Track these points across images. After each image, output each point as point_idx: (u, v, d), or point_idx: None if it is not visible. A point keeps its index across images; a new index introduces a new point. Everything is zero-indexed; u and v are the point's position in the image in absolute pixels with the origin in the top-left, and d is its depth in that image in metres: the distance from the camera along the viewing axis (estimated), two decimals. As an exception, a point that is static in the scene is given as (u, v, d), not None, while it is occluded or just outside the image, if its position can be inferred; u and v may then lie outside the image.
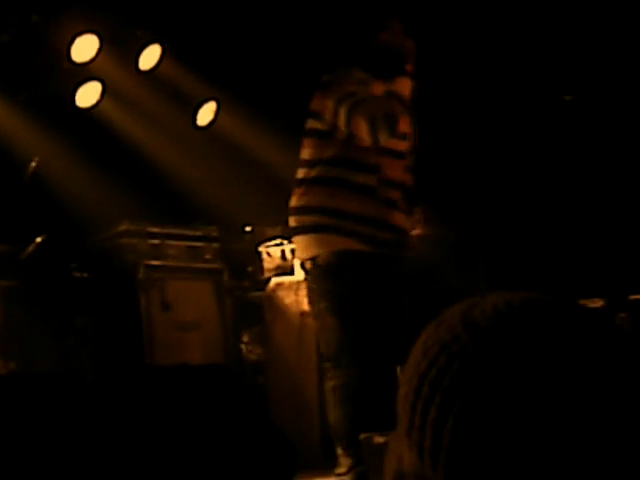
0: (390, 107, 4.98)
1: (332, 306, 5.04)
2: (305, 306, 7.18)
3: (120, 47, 7.91)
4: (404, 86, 5.09)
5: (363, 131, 4.88)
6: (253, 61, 7.98)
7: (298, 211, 5.14)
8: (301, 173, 5.15)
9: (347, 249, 5.02)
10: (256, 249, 7.96)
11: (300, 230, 5.16)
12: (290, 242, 7.17)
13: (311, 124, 5.15)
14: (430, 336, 1.24)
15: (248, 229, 8.22)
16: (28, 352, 6.84)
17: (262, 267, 7.86)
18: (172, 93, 8.36)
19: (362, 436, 4.78)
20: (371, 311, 4.98)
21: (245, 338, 7.80)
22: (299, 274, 7.11)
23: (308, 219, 5.09)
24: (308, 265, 5.10)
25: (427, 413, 1.20)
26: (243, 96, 8.31)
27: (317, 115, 5.10)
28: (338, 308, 5.02)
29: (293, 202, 5.18)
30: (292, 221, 5.20)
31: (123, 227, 7.49)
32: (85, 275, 7.35)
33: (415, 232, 5.97)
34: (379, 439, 4.67)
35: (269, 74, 7.97)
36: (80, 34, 7.64)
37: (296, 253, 5.30)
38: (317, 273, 5.09)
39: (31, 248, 6.97)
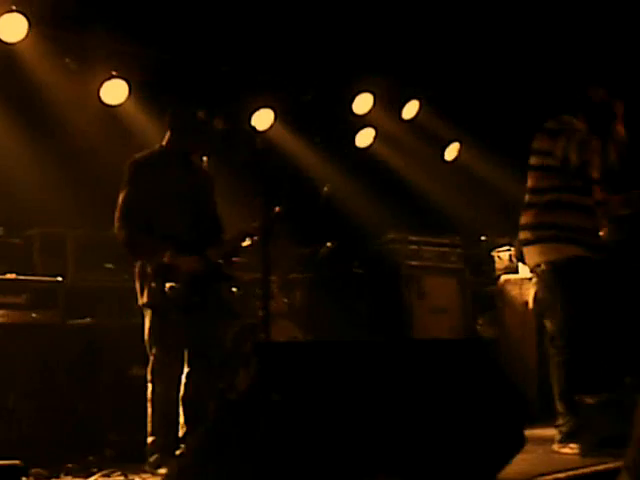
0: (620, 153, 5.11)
1: (567, 298, 5.12)
2: (527, 297, 7.26)
3: (389, 102, 8.14)
4: (621, 130, 5.20)
5: (598, 170, 4.95)
6: (490, 111, 8.03)
7: (535, 226, 5.17)
8: (532, 198, 5.20)
9: (577, 255, 5.04)
10: (489, 253, 8.01)
11: (538, 241, 5.18)
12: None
13: (537, 160, 5.20)
14: None
15: (483, 238, 8.31)
16: (322, 326, 7.13)
17: (494, 267, 7.90)
18: (426, 136, 8.51)
19: (576, 397, 4.80)
20: (596, 303, 5.17)
21: (481, 321, 7.90)
22: (523, 272, 7.18)
23: (546, 233, 5.12)
24: (544, 267, 5.20)
25: None
26: (481, 138, 8.39)
27: (547, 153, 5.12)
28: (572, 300, 5.12)
29: (529, 219, 5.20)
30: (528, 234, 5.26)
31: (390, 236, 7.89)
32: (363, 271, 7.60)
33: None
34: (588, 399, 4.72)
35: (500, 120, 8.00)
36: (359, 93, 7.92)
37: (533, 257, 5.23)
38: (555, 273, 5.17)
39: (325, 250, 7.22)
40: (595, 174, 5.12)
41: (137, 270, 4.97)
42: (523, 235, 5.35)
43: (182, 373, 4.88)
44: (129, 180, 4.99)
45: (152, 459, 4.76)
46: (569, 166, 5.05)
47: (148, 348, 4.88)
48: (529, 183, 5.32)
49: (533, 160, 5.32)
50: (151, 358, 4.86)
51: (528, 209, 5.31)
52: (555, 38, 7.39)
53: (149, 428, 4.82)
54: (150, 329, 4.87)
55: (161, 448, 4.73)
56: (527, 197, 5.33)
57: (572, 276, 5.10)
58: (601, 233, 5.44)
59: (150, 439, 4.81)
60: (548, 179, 5.21)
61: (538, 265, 5.22)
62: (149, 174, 5.01)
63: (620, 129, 5.16)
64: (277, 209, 5.00)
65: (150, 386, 4.85)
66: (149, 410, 4.84)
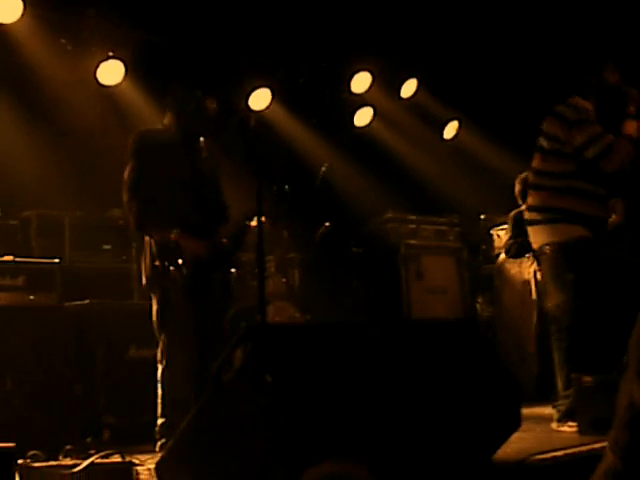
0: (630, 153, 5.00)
1: (573, 279, 5.00)
2: (527, 276, 7.22)
3: (387, 81, 8.09)
4: (632, 127, 5.06)
5: (612, 166, 4.88)
6: (488, 89, 7.97)
7: (544, 209, 5.09)
8: (541, 180, 5.11)
9: (584, 236, 4.99)
10: (488, 232, 7.98)
11: (545, 221, 5.10)
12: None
13: (548, 144, 5.09)
14: None
15: (482, 217, 8.27)
16: (319, 307, 7.12)
17: (493, 246, 7.87)
18: (424, 114, 8.48)
19: (573, 375, 4.77)
20: (600, 284, 5.03)
21: (480, 300, 7.87)
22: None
23: (554, 216, 5.04)
24: (552, 247, 5.08)
25: None
26: (479, 116, 8.35)
27: (557, 139, 5.04)
28: (577, 281, 4.99)
29: (537, 201, 5.15)
30: (536, 215, 5.20)
31: (389, 215, 7.85)
32: (360, 251, 7.58)
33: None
34: (587, 379, 4.68)
35: (500, 100, 7.95)
36: (357, 72, 7.88)
37: (540, 238, 5.16)
38: (562, 253, 5.05)
39: (322, 231, 7.20)
40: (609, 169, 5.01)
41: (145, 249, 4.83)
42: (529, 216, 5.27)
43: (193, 354, 4.71)
44: (135, 152, 4.85)
45: (162, 442, 4.61)
46: (582, 157, 4.96)
47: (157, 330, 4.75)
48: (538, 165, 5.20)
49: (544, 143, 5.17)
50: (160, 340, 4.73)
51: (537, 191, 5.21)
52: (558, 19, 7.33)
53: (159, 410, 4.70)
54: (158, 311, 4.74)
55: (171, 430, 4.42)
56: (535, 178, 5.22)
57: (579, 257, 5.00)
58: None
59: (160, 421, 4.69)
60: (560, 164, 5.08)
61: (545, 245, 5.13)
62: (154, 149, 4.87)
63: (633, 125, 5.03)
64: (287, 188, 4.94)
65: (160, 367, 4.72)
66: (159, 392, 4.71)
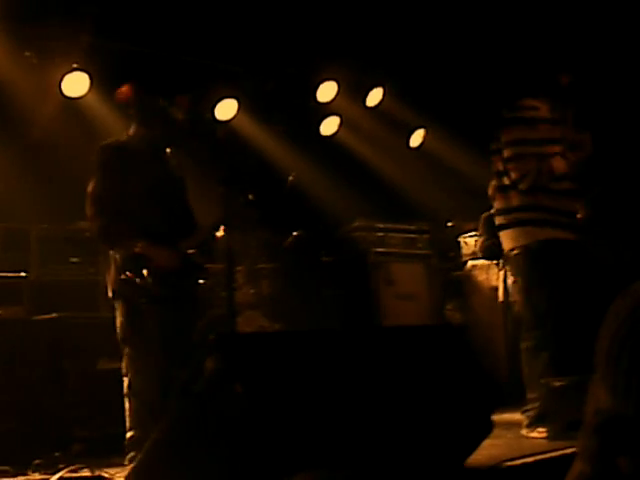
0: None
1: (539, 282, 4.99)
2: (494, 282, 7.25)
3: (353, 89, 8.09)
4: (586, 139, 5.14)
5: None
6: (453, 98, 7.99)
7: (510, 210, 5.08)
8: (504, 181, 5.08)
9: (550, 238, 4.99)
10: (456, 239, 7.99)
11: (510, 225, 5.09)
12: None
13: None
14: (619, 304, 1.28)
15: (450, 224, 8.29)
16: (290, 315, 7.08)
17: (461, 253, 7.89)
18: (391, 122, 8.49)
19: (542, 380, 4.76)
20: (570, 288, 4.98)
21: (449, 306, 7.90)
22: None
23: (520, 216, 5.02)
24: (517, 251, 5.06)
25: (619, 364, 1.26)
26: (446, 124, 8.36)
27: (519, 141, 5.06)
28: (544, 284, 4.98)
29: (502, 204, 5.13)
30: (502, 219, 5.18)
31: (357, 223, 7.80)
32: (330, 259, 7.57)
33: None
34: (556, 383, 4.69)
35: (465, 105, 7.96)
36: (323, 81, 7.88)
37: (506, 242, 5.16)
38: (527, 257, 5.03)
39: (290, 239, 7.18)
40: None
41: (110, 261, 4.78)
42: (497, 220, 5.26)
43: (159, 365, 4.65)
44: (100, 165, 4.79)
45: (131, 455, 4.53)
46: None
47: (121, 342, 4.71)
48: (501, 166, 5.16)
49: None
50: (125, 352, 4.69)
51: (502, 192, 5.20)
52: (520, 23, 7.37)
53: (127, 423, 4.64)
54: (122, 322, 4.69)
55: (140, 444, 4.32)
56: (499, 181, 5.20)
57: (544, 260, 4.98)
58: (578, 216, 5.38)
59: (129, 434, 4.62)
60: (525, 164, 5.04)
61: (511, 250, 5.12)
62: (120, 161, 4.81)
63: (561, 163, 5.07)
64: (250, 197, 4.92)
65: (126, 380, 4.68)
66: (127, 405, 4.66)
